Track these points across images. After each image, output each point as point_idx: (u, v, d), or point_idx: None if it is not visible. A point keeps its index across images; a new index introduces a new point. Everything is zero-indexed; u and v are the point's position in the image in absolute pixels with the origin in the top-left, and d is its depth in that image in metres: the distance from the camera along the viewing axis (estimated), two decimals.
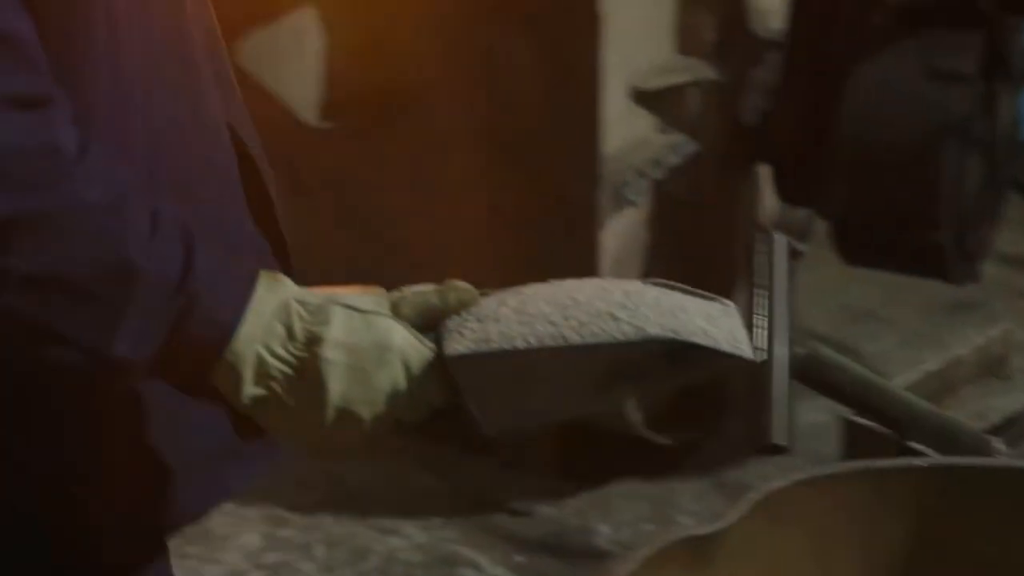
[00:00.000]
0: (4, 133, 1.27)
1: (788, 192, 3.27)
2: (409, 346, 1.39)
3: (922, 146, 3.06)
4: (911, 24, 3.09)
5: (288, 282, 1.40)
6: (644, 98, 3.18)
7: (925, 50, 3.08)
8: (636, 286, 1.41)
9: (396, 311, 1.41)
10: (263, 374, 1.36)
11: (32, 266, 1.29)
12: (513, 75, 3.08)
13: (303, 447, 1.41)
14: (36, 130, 1.29)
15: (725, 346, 1.38)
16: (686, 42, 3.22)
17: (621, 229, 3.14)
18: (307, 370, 1.36)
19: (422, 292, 1.43)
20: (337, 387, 1.36)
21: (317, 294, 1.40)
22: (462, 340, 1.39)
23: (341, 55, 3.05)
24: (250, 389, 1.36)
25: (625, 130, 3.17)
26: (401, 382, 1.38)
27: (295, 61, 3.00)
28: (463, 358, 1.38)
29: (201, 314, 1.34)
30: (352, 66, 3.07)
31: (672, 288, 1.41)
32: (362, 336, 1.38)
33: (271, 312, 1.36)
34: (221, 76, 1.52)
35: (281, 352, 1.36)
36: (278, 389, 1.36)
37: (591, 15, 2.97)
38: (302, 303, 1.37)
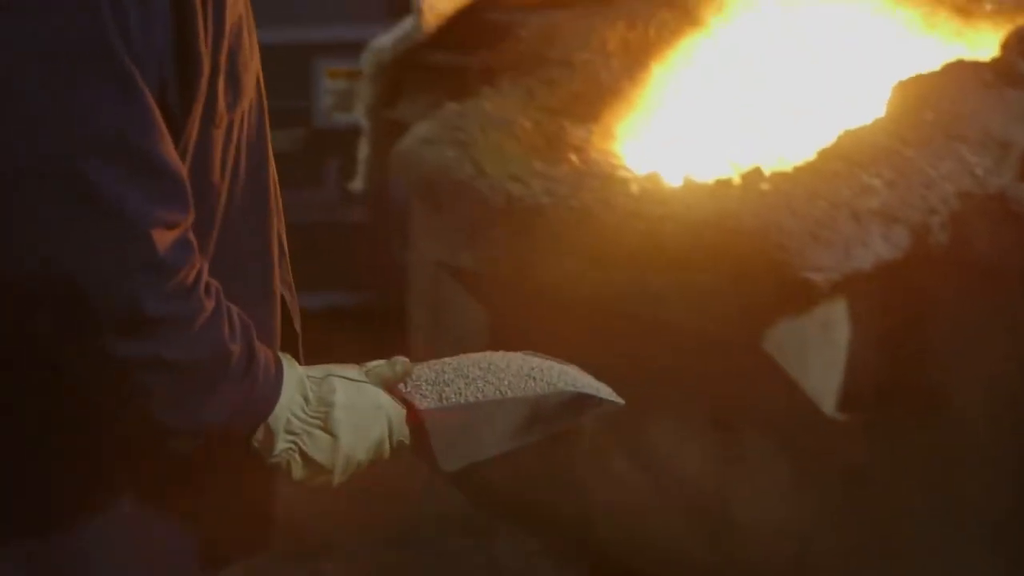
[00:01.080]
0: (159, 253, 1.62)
1: None
2: (390, 405, 1.84)
3: None
4: None
5: (293, 360, 1.81)
6: None
7: None
8: (534, 359, 1.93)
9: (371, 377, 1.85)
10: (290, 432, 1.77)
11: (168, 354, 1.65)
12: None
13: (314, 483, 1.81)
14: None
15: (604, 395, 1.93)
16: None
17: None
18: (323, 427, 1.78)
19: (378, 365, 1.86)
20: (345, 438, 1.79)
21: (315, 370, 1.81)
22: (425, 399, 1.86)
23: (868, 349, 3.02)
24: (281, 444, 1.76)
25: None
26: (386, 432, 1.83)
27: (821, 351, 2.98)
28: (432, 412, 1.85)
29: (257, 391, 1.73)
30: (877, 360, 3.03)
31: (547, 358, 1.93)
32: (359, 399, 1.81)
33: (293, 385, 1.77)
34: (280, 242, 1.92)
35: (302, 415, 1.78)
36: (301, 443, 1.77)
37: None
38: (311, 377, 1.80)
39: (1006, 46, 3.33)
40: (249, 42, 1.79)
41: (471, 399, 1.87)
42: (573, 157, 3.18)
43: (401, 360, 1.88)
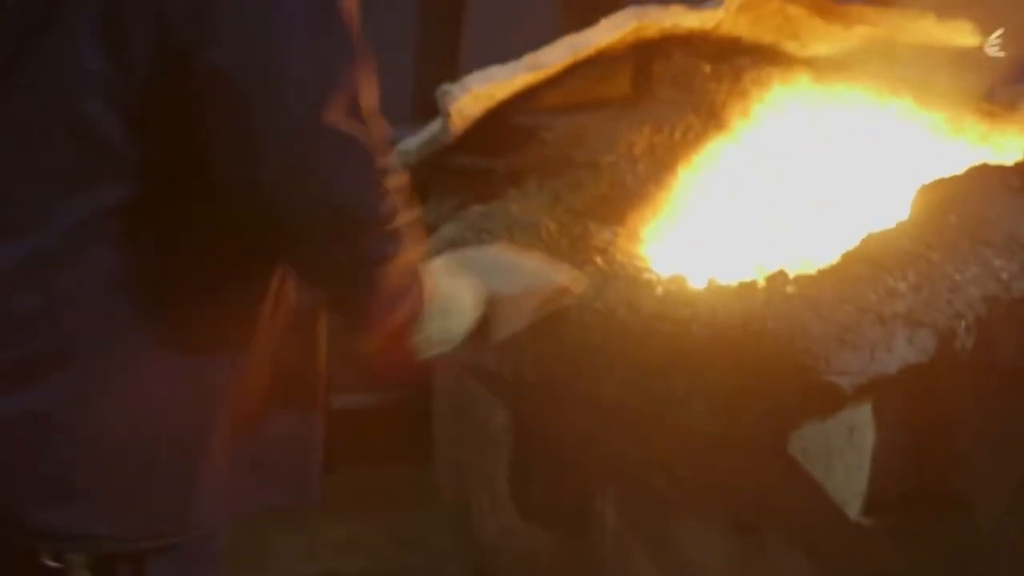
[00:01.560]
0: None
1: None
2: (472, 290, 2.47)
3: None
4: None
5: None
6: None
7: None
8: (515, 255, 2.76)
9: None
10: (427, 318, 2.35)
11: (398, 253, 2.21)
12: None
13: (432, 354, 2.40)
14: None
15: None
16: None
17: None
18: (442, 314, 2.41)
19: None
20: (455, 321, 2.46)
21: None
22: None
23: (893, 453, 3.01)
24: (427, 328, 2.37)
25: None
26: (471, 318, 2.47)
27: (846, 455, 2.98)
28: (499, 296, 2.52)
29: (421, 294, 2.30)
30: (902, 465, 3.02)
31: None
32: (456, 291, 2.45)
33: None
34: None
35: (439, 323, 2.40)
36: (431, 329, 2.38)
37: None
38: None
39: None
40: None
41: (517, 289, 2.58)
42: (598, 259, 3.18)
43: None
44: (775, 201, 3.50)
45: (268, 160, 2.05)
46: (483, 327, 2.50)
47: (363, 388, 4.11)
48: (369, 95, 2.13)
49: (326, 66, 2.06)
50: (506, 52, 3.53)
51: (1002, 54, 3.75)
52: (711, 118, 3.65)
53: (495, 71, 3.50)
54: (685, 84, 3.71)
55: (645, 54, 3.70)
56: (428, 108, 3.55)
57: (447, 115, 3.42)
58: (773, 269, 3.16)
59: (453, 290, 2.44)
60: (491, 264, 2.61)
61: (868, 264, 3.12)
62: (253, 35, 2.02)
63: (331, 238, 2.14)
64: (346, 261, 2.17)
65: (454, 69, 5.47)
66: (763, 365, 2.96)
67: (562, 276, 2.76)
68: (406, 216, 2.20)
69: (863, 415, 2.98)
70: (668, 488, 3.30)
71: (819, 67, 3.80)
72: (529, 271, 2.69)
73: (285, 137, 2.05)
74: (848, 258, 3.16)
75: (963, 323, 3.00)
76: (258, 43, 2.02)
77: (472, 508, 3.74)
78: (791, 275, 3.12)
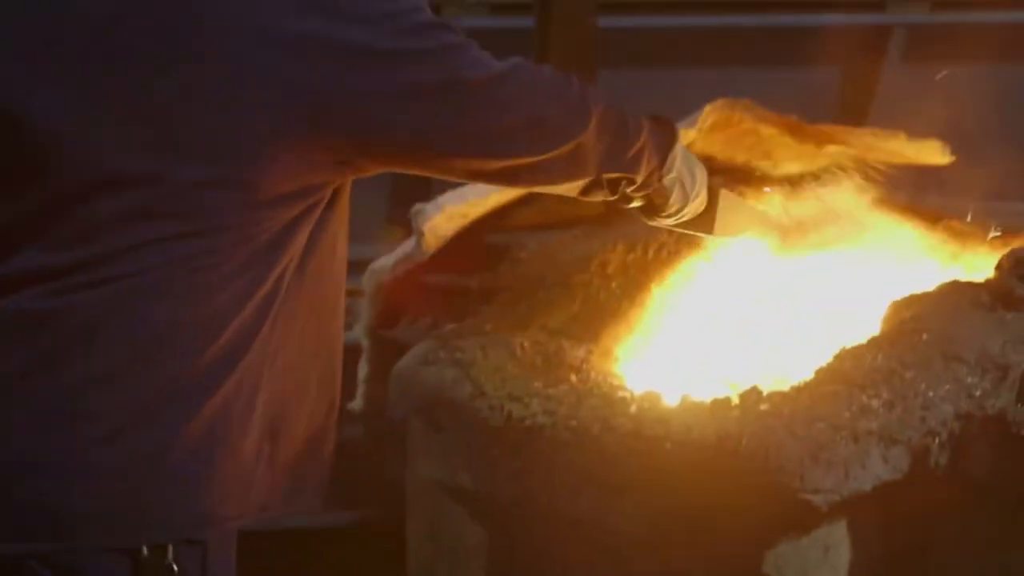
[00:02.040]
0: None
1: None
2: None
3: None
4: None
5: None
6: None
7: None
8: None
9: None
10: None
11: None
12: None
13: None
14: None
15: None
16: None
17: None
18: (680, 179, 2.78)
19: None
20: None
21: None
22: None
23: (868, 570, 3.00)
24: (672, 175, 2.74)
25: None
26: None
27: (822, 573, 2.97)
28: (726, 191, 2.92)
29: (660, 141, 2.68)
30: None
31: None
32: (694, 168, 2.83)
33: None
34: None
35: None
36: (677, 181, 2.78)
37: None
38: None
39: (1002, 268, 3.37)
40: None
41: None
42: (572, 377, 3.19)
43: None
44: (748, 318, 3.51)
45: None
46: (710, 210, 2.80)
47: (338, 506, 4.10)
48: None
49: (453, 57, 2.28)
50: None
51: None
52: (684, 236, 3.67)
53: (468, 190, 3.52)
54: None
55: None
56: (402, 226, 3.57)
57: (421, 234, 3.44)
58: (747, 386, 3.16)
59: (688, 153, 2.75)
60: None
61: (841, 381, 3.13)
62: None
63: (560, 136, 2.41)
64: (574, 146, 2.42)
65: (428, 187, 5.50)
66: (738, 483, 2.96)
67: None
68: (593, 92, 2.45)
69: (838, 533, 2.98)
70: None
71: (792, 186, 3.83)
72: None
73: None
74: (821, 375, 3.17)
75: (937, 440, 3.01)
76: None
77: None
78: (765, 392, 3.13)
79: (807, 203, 3.37)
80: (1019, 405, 3.01)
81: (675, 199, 2.71)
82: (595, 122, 2.42)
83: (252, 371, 2.24)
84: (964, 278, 3.46)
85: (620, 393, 3.16)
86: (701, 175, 2.78)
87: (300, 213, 2.21)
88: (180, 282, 2.15)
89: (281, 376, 2.29)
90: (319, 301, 2.31)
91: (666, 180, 2.65)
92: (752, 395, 3.11)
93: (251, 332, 2.22)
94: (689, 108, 3.72)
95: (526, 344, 3.32)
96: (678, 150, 2.67)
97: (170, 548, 2.21)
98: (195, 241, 2.14)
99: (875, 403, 3.05)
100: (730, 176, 3.77)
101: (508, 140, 2.33)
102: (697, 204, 2.78)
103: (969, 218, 3.77)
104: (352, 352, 3.91)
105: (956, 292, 3.37)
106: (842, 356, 3.22)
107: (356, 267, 4.08)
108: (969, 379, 3.11)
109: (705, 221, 2.81)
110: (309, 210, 2.22)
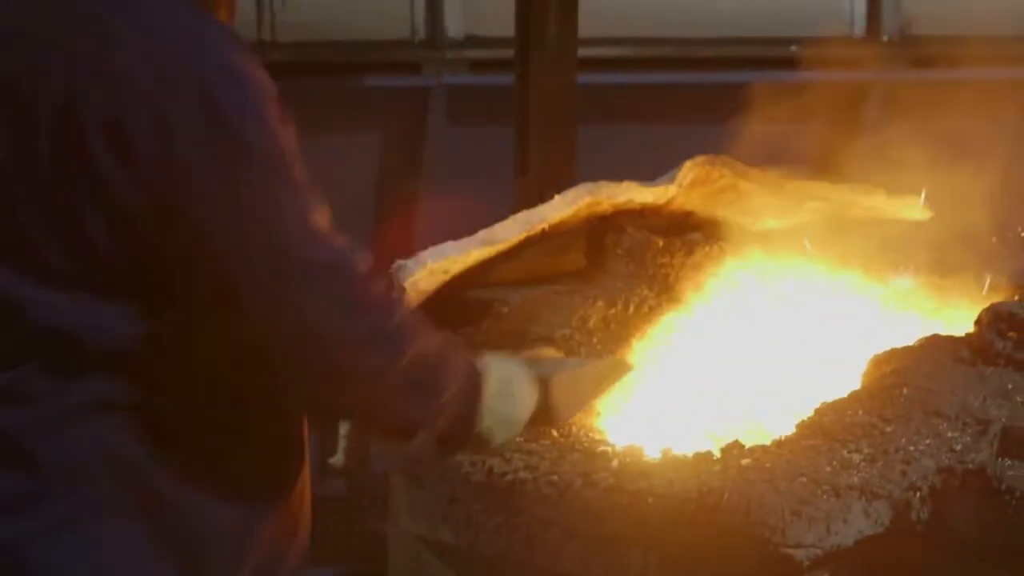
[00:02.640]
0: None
1: None
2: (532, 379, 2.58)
3: None
4: None
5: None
6: None
7: None
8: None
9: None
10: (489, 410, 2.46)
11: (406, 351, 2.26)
12: None
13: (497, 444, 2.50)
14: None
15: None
16: None
17: None
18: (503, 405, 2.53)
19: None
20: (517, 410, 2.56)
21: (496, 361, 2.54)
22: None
23: None
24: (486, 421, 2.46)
25: None
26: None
27: None
28: (555, 378, 2.61)
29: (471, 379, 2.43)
30: None
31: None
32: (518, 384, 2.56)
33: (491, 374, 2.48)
34: None
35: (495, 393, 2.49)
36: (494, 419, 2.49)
37: None
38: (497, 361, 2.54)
39: (981, 323, 3.38)
40: None
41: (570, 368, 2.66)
42: (554, 432, 3.19)
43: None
44: (729, 373, 3.52)
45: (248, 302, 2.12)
46: (545, 409, 2.58)
47: (319, 561, 4.08)
48: (321, 214, 2.17)
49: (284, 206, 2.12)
50: (461, 228, 3.57)
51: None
52: (664, 291, 3.69)
53: (449, 246, 3.53)
54: (638, 258, 3.75)
55: (598, 228, 3.75)
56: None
57: (402, 290, 3.44)
58: (728, 440, 3.17)
59: (509, 373, 2.50)
60: (538, 359, 2.68)
61: (822, 435, 3.14)
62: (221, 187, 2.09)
63: (332, 361, 2.18)
64: (357, 378, 2.21)
65: (410, 244, 5.51)
66: (719, 537, 2.95)
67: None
68: (403, 312, 2.24)
69: None
70: None
71: (771, 241, 3.85)
72: (575, 359, 3.00)
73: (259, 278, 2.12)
74: (802, 429, 3.18)
75: (918, 494, 3.01)
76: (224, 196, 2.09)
77: None
78: (747, 447, 3.13)
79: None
80: (1000, 459, 3.02)
81: (497, 436, 2.49)
82: (400, 363, 2.24)
83: None
84: (944, 332, 3.48)
85: (601, 448, 3.16)
86: (524, 393, 2.55)
87: None
88: None
89: None
90: None
91: (481, 430, 2.45)
92: (734, 449, 3.11)
93: None
94: (670, 163, 3.74)
95: None
96: (487, 399, 2.44)
97: None
98: None
99: (856, 457, 3.06)
100: (711, 230, 3.79)
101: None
102: (525, 419, 2.57)
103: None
104: None
105: (936, 346, 3.38)
106: (823, 410, 3.22)
107: None
108: (950, 433, 3.12)
109: (543, 417, 2.59)
110: None
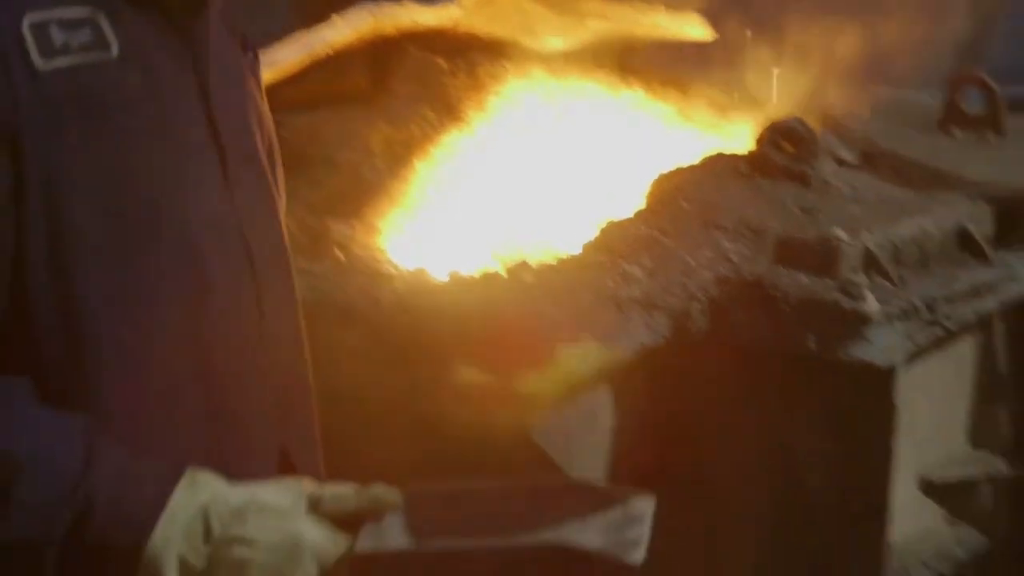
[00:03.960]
0: None
1: None
2: (321, 543, 1.56)
3: None
4: None
5: (212, 481, 1.56)
6: (934, 490, 3.11)
7: None
8: (577, 491, 1.65)
9: (315, 508, 1.59)
10: (185, 570, 1.50)
11: None
12: (801, 459, 3.05)
13: None
14: None
15: (608, 550, 1.54)
16: (980, 435, 3.16)
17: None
18: (224, 567, 1.52)
19: (342, 495, 1.61)
20: None
21: (239, 491, 1.56)
22: (370, 539, 1.54)
23: (632, 434, 3.06)
24: None
25: (913, 521, 3.10)
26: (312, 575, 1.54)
27: (586, 438, 3.01)
28: (366, 556, 1.53)
29: (109, 513, 1.48)
30: (641, 445, 3.07)
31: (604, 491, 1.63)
32: (276, 536, 1.54)
33: (190, 514, 1.52)
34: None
35: (201, 551, 1.51)
36: None
37: (887, 405, 2.94)
38: (223, 503, 1.53)
39: (760, 139, 3.43)
40: None
41: (421, 545, 1.53)
42: (338, 254, 3.18)
43: (377, 490, 1.62)
44: (514, 192, 3.53)
45: None
46: None
47: None
48: None
49: None
50: None
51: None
52: (447, 112, 3.67)
53: None
54: (421, 80, 3.72)
55: (381, 50, 3.71)
56: None
57: None
58: (514, 260, 3.18)
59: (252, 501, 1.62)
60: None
61: (606, 251, 3.17)
62: None
63: None
64: None
65: None
66: (504, 354, 2.97)
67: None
68: None
69: (604, 399, 3.02)
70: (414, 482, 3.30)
71: (554, 61, 3.85)
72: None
73: None
74: (586, 246, 3.20)
75: (697, 305, 3.06)
76: None
77: None
78: (532, 265, 3.14)
79: None
80: (776, 268, 3.08)
81: None
82: None
83: None
84: (723, 148, 3.52)
85: (386, 268, 3.16)
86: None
87: None
88: None
89: None
90: None
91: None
92: (519, 268, 3.13)
93: None
94: None
95: (291, 223, 3.29)
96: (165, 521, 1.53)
97: None
98: None
99: (637, 271, 3.09)
100: (495, 51, 3.78)
101: None
102: None
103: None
104: None
105: (715, 162, 3.42)
106: (606, 228, 3.25)
107: None
108: (728, 245, 3.17)
109: None
110: None
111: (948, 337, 3.11)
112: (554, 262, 3.17)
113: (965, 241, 3.28)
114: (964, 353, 3.28)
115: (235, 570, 1.53)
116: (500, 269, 3.15)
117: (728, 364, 3.05)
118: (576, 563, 1.54)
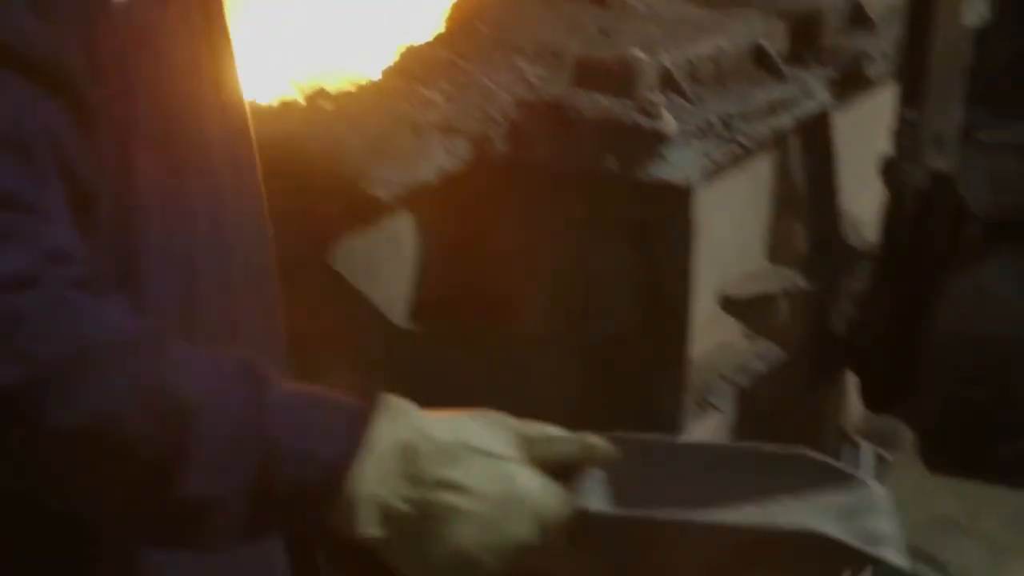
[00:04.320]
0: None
1: (875, 401, 3.25)
2: (543, 498, 1.34)
3: (1018, 356, 3.04)
4: (1004, 237, 3.09)
5: (413, 412, 1.33)
6: (733, 305, 3.17)
7: (1020, 261, 3.07)
8: (805, 465, 1.37)
9: (529, 452, 1.36)
10: (386, 516, 1.30)
11: (70, 422, 1.22)
12: (604, 280, 3.08)
13: None
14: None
15: (879, 550, 1.29)
16: (777, 251, 3.22)
17: (705, 435, 3.12)
18: (432, 515, 1.31)
19: (556, 438, 1.37)
20: (464, 534, 1.31)
21: (445, 427, 1.33)
22: (601, 499, 1.34)
23: (435, 259, 3.06)
24: (370, 530, 1.29)
25: (713, 336, 3.16)
26: (533, 535, 1.33)
27: (389, 264, 3.01)
28: (594, 518, 1.32)
29: (297, 453, 1.28)
30: (444, 270, 3.08)
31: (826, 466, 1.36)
32: (492, 485, 1.32)
33: (393, 450, 1.30)
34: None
35: (405, 494, 1.30)
36: (401, 531, 1.30)
37: (685, 223, 2.98)
38: (429, 440, 1.31)
39: None
40: None
41: (656, 512, 1.33)
42: None
43: (596, 441, 1.38)
44: (312, 19, 3.48)
45: None
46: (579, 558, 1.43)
47: None
48: None
49: None
50: None
51: None
52: None
53: None
54: None
55: None
56: None
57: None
58: (312, 87, 3.15)
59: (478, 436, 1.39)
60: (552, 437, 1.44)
61: (403, 77, 3.14)
62: None
63: None
64: None
65: None
66: (305, 183, 2.95)
67: None
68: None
69: (405, 224, 3.02)
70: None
71: None
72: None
73: None
74: (385, 72, 3.18)
75: (497, 128, 3.06)
76: None
77: None
78: (331, 92, 3.11)
79: None
80: (574, 89, 3.08)
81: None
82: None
83: None
84: None
85: None
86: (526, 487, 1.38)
87: None
88: None
89: None
90: None
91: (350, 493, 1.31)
92: (318, 96, 3.10)
93: None
94: None
95: None
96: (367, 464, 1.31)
97: None
98: None
99: (436, 96, 3.08)
100: None
101: None
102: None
103: None
104: None
105: None
106: (405, 53, 3.23)
107: None
108: (527, 67, 3.16)
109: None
110: None
111: (745, 154, 3.15)
112: (352, 89, 3.14)
113: (761, 58, 3.31)
114: (761, 170, 3.33)
115: (444, 520, 1.31)
116: (298, 97, 3.11)
117: (529, 187, 3.07)
118: (830, 556, 1.30)
